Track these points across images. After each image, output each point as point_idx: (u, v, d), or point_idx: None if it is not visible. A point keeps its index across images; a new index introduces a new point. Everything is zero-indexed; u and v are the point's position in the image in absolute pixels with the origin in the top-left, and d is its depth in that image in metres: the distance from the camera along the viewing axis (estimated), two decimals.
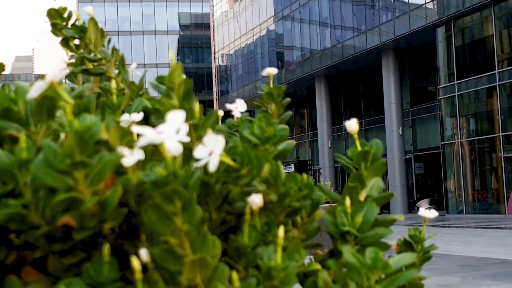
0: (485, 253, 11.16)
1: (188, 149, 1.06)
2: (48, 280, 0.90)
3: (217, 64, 46.06)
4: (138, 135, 0.86)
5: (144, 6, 53.12)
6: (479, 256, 10.64)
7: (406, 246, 1.39)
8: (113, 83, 1.28)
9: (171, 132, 0.80)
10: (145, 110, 1.19)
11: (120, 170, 0.90)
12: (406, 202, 27.87)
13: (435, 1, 24.89)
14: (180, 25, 54.44)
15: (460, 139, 24.21)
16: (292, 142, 1.32)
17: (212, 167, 0.87)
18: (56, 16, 1.49)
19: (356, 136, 1.35)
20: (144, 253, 0.81)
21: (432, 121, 27.70)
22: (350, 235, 1.19)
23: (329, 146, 33.59)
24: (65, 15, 1.51)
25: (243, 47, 41.44)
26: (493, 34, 22.85)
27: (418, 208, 26.70)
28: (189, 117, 1.04)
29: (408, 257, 1.09)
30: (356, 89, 33.46)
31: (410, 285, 1.24)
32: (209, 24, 48.94)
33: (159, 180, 0.78)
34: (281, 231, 0.92)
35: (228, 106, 1.42)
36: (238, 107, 1.43)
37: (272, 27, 37.37)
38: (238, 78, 42.10)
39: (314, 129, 36.35)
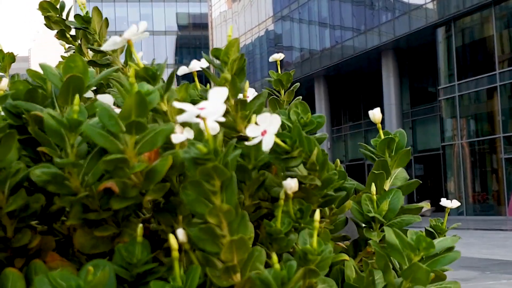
0: (487, 255, 11.20)
1: (232, 128, 1.03)
2: (71, 265, 0.87)
3: None
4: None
5: (141, 6, 53.30)
6: (480, 257, 10.66)
7: (428, 236, 1.35)
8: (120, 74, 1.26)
9: (213, 108, 0.75)
10: None
11: (165, 147, 0.88)
12: (406, 204, 27.79)
13: (435, 1, 24.94)
14: (178, 25, 54.64)
15: (461, 140, 24.25)
16: (325, 134, 1.28)
17: (266, 147, 0.84)
18: (49, 9, 1.47)
19: (379, 125, 1.31)
20: (181, 232, 0.78)
21: (432, 122, 27.76)
22: (376, 222, 1.15)
23: (329, 147, 33.63)
24: (58, 7, 1.48)
25: (241, 48, 41.44)
26: (493, 35, 22.89)
27: None
28: (239, 93, 1.02)
29: (450, 240, 1.06)
30: (356, 90, 33.53)
31: (434, 275, 1.21)
32: (207, 24, 49.10)
33: (199, 157, 0.74)
34: (317, 214, 0.88)
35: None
36: (249, 96, 1.40)
37: (271, 28, 37.45)
38: None
39: None
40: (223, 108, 0.76)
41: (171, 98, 0.95)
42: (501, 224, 19.79)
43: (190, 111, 0.74)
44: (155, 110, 0.94)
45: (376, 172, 1.23)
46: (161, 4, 53.98)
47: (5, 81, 1.09)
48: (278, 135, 0.97)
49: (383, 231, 1.14)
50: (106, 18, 1.46)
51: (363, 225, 1.18)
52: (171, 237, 0.74)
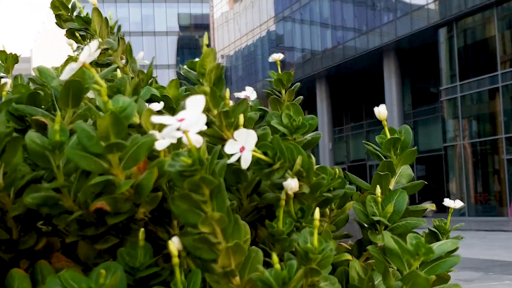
0: (489, 256, 11.19)
1: (218, 137, 1.02)
2: (76, 266, 0.87)
3: None
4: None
5: (143, 7, 53.26)
6: (483, 259, 10.64)
7: (431, 237, 1.34)
8: (118, 73, 1.26)
9: (193, 118, 0.73)
10: (153, 99, 1.17)
11: (150, 155, 0.87)
12: (408, 205, 27.69)
13: (437, 2, 24.91)
14: (179, 26, 54.58)
15: (462, 141, 24.20)
16: (319, 133, 1.28)
17: (244, 164, 0.84)
18: (61, 7, 1.47)
19: (384, 122, 1.31)
20: (176, 241, 0.76)
21: (434, 123, 27.71)
22: (381, 225, 1.15)
23: (330, 148, 33.59)
24: (69, 6, 1.49)
25: (243, 48, 41.54)
26: (495, 35, 22.86)
27: None
28: (220, 103, 1.02)
29: (450, 244, 1.05)
30: (357, 90, 33.49)
31: (437, 276, 1.21)
32: (208, 25, 49.04)
33: (185, 169, 0.73)
34: (317, 213, 0.87)
35: (237, 94, 1.39)
36: (248, 94, 1.40)
37: (273, 28, 37.43)
38: (238, 79, 42.17)
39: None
40: (203, 118, 0.74)
41: (141, 110, 0.94)
42: (503, 225, 19.76)
43: (170, 125, 0.73)
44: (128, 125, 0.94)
45: (381, 173, 1.22)
46: (163, 4, 53.93)
47: (8, 82, 1.09)
48: (260, 146, 0.97)
49: None
50: (106, 18, 1.46)
51: (367, 226, 1.18)
52: (171, 244, 0.73)
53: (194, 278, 0.73)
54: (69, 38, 1.48)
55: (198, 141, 0.74)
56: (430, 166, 29.46)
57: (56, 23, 1.48)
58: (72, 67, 0.87)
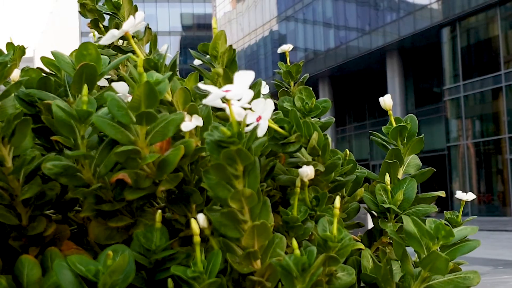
0: (493, 255, 11.16)
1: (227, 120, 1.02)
2: (86, 253, 0.86)
3: None
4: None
5: (146, 7, 53.30)
6: (487, 258, 10.62)
7: None
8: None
9: (239, 92, 0.73)
10: None
11: (174, 135, 0.87)
12: None
13: (440, 1, 24.87)
14: (182, 26, 54.64)
15: (466, 141, 24.17)
16: (331, 118, 1.27)
17: (261, 132, 0.83)
18: None
19: (390, 112, 1.30)
20: (202, 218, 0.76)
21: (437, 123, 27.67)
22: (391, 212, 1.14)
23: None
24: None
25: (245, 48, 41.54)
26: (498, 35, 22.81)
27: None
28: None
29: (470, 229, 1.04)
30: (360, 90, 33.46)
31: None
32: (211, 24, 49.03)
33: (223, 140, 0.73)
34: (337, 201, 0.86)
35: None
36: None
37: (275, 28, 37.42)
38: None
39: None
40: (249, 93, 0.74)
41: (175, 88, 0.94)
42: (507, 225, 19.73)
43: (215, 93, 0.72)
44: (160, 101, 0.93)
45: (389, 161, 1.21)
46: (165, 4, 53.99)
47: (17, 72, 1.08)
48: (276, 121, 0.96)
49: (398, 221, 1.13)
50: (136, 6, 1.46)
51: (377, 215, 1.17)
52: (193, 222, 0.72)
53: (214, 259, 0.72)
54: (92, 29, 1.47)
55: (239, 115, 0.73)
56: (433, 166, 29.09)
57: (80, 12, 1.47)
58: (114, 34, 0.88)
